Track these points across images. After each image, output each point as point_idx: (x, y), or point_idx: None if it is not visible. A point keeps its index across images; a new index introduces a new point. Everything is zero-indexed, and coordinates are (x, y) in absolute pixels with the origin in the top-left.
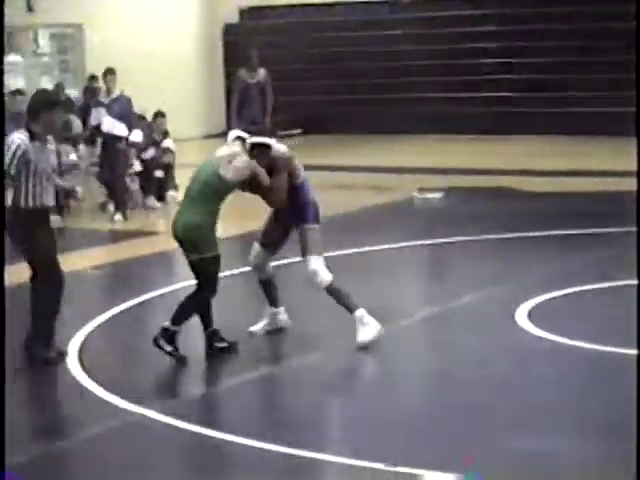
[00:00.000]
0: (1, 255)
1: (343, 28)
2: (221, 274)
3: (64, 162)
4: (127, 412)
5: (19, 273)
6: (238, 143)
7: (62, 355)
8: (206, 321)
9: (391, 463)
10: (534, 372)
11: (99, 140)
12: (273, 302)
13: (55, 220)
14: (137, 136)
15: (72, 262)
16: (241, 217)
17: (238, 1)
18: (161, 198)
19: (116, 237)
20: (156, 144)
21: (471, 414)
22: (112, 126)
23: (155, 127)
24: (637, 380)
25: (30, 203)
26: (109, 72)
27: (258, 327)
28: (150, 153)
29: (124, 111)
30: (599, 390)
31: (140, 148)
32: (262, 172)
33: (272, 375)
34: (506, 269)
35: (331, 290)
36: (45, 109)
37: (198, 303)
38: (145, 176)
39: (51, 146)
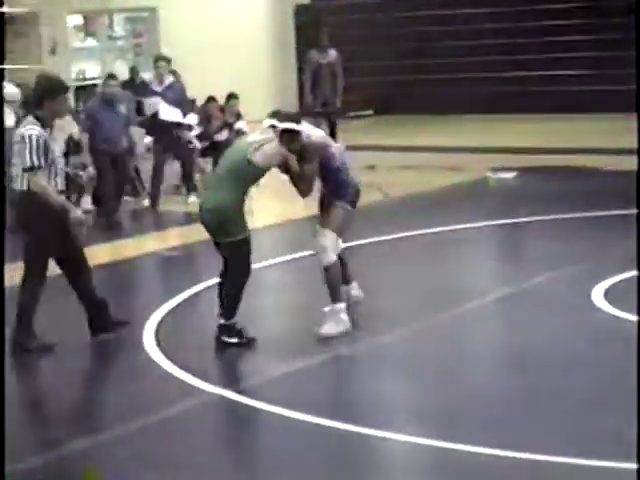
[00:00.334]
0: (1, 255)
1: (415, 7)
2: (289, 256)
3: (140, 145)
4: (205, 392)
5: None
6: (271, 130)
7: (48, 347)
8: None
9: None
10: (611, 352)
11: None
12: (344, 279)
13: (85, 202)
14: (193, 119)
15: (147, 244)
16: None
17: None
18: None
19: (191, 219)
20: (229, 126)
21: (548, 395)
22: (170, 113)
23: (228, 109)
24: None
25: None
26: (160, 59)
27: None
28: (224, 135)
29: (178, 98)
30: None
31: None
32: (292, 158)
33: (348, 355)
34: (582, 249)
35: (329, 271)
36: (48, 96)
37: (236, 287)
38: (218, 158)
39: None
